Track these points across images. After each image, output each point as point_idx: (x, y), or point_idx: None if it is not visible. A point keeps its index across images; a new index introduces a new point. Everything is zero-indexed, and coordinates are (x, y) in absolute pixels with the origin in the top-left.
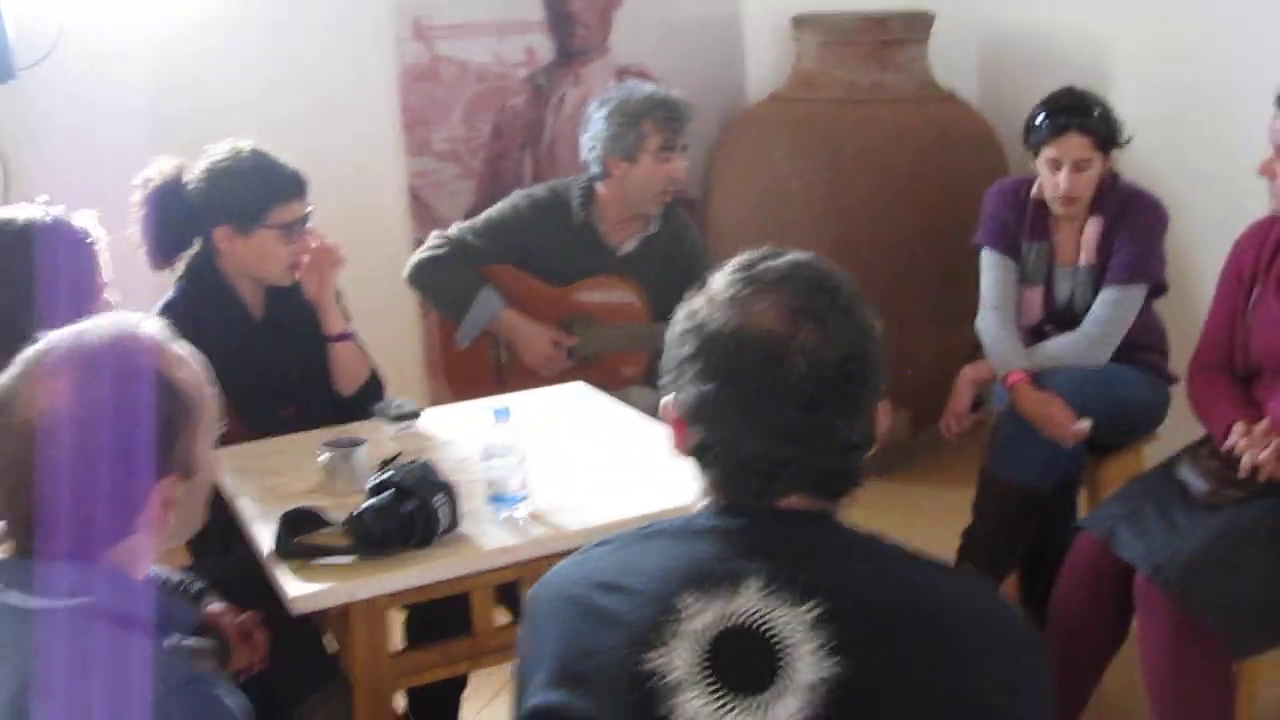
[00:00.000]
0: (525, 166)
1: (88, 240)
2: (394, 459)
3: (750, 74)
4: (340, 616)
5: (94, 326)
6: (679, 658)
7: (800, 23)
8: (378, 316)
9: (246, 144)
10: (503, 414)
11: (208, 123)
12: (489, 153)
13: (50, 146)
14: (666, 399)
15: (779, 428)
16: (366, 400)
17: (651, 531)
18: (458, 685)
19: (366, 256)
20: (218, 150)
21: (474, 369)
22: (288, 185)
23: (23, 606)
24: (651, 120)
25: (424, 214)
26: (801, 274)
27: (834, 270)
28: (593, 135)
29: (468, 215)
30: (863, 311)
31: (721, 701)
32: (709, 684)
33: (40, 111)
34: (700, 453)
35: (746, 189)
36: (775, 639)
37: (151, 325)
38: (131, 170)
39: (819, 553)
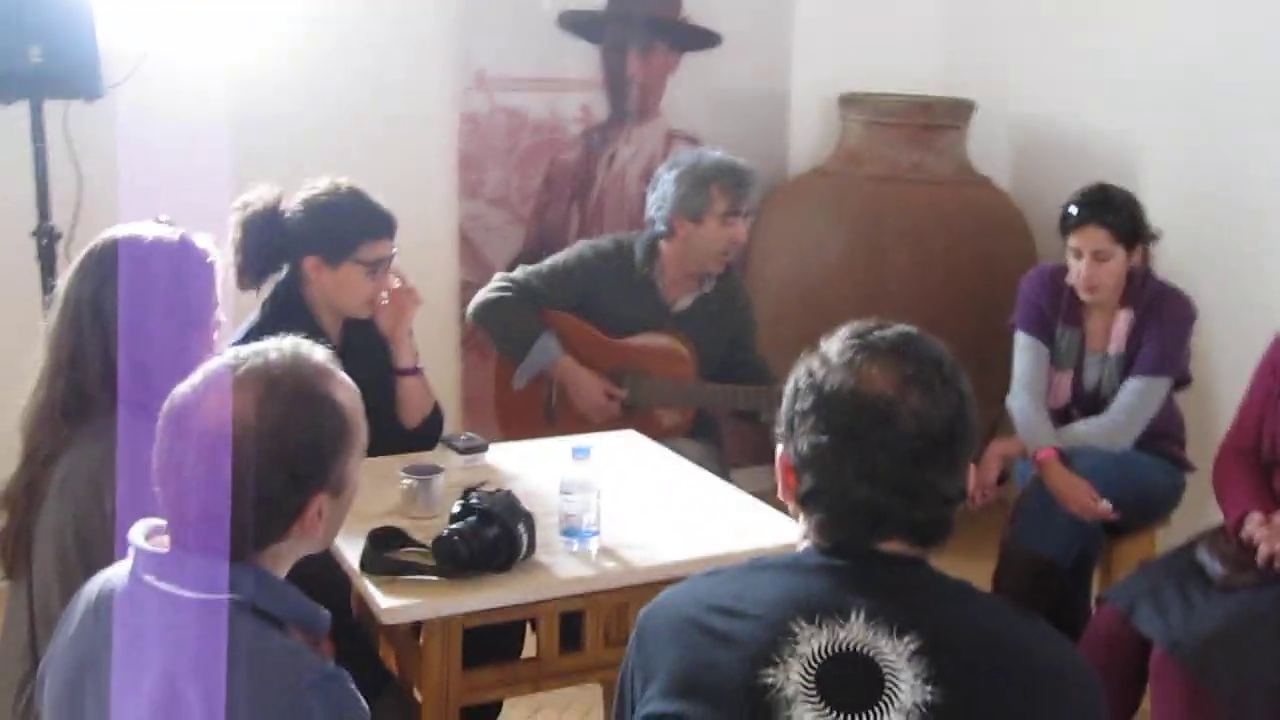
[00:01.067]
0: (572, 218)
1: (209, 260)
2: (478, 486)
3: (794, 147)
4: (407, 633)
5: (274, 347)
6: (792, 676)
7: (848, 101)
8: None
9: (345, 181)
10: (583, 452)
11: (275, 151)
12: (538, 202)
13: (125, 165)
14: (780, 447)
15: (887, 480)
16: (428, 432)
17: (761, 565)
18: (497, 704)
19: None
20: (318, 184)
21: (526, 409)
22: (379, 224)
23: (178, 594)
24: (719, 185)
25: (472, 255)
26: (911, 345)
27: (937, 343)
28: (661, 195)
29: (514, 260)
30: (963, 380)
31: (829, 716)
32: (818, 701)
33: (119, 131)
34: (810, 498)
35: (787, 257)
36: (879, 665)
37: (321, 352)
38: (200, 194)
39: (917, 593)
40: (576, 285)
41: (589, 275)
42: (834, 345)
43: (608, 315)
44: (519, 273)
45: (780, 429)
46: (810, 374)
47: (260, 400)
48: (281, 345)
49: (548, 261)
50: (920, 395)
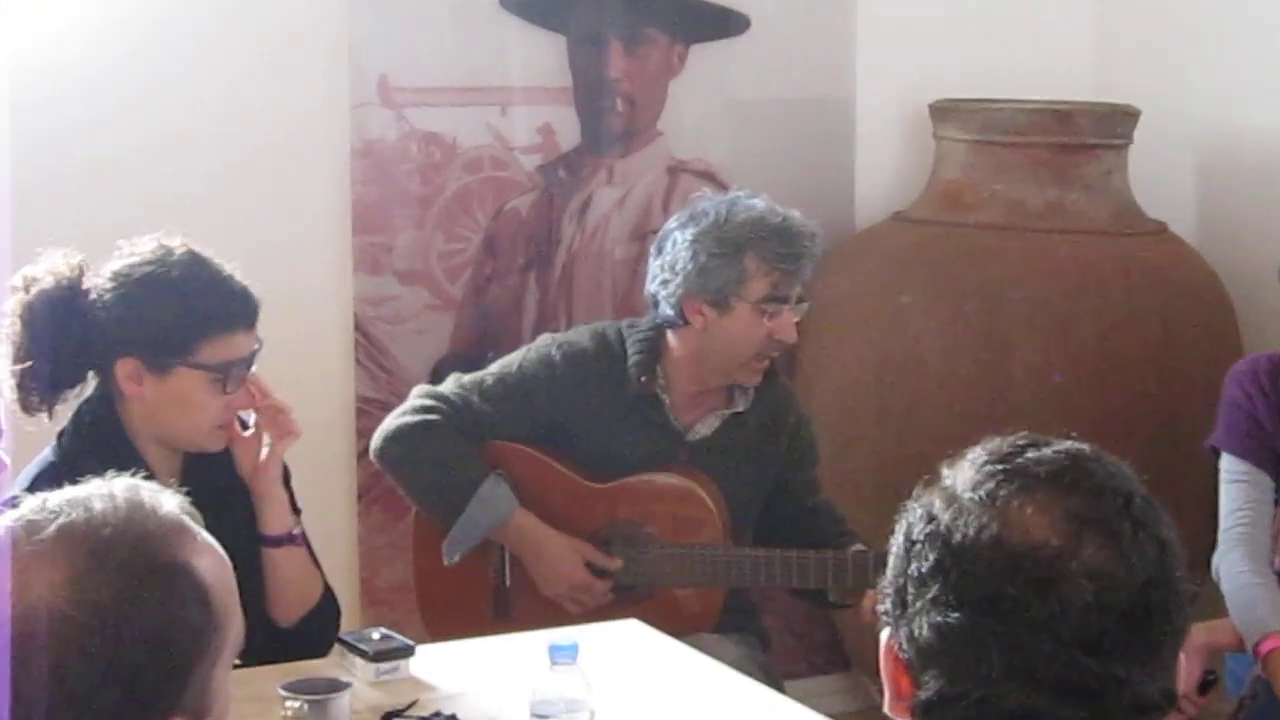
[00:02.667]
0: (527, 299)
1: None
2: (405, 711)
3: (864, 183)
4: None
5: (98, 494)
6: None
7: (943, 114)
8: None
9: (179, 244)
10: (565, 654)
11: (71, 194)
12: (475, 276)
13: None
14: (885, 634)
15: (1052, 677)
16: (314, 632)
17: None
18: None
19: None
20: (137, 248)
21: (463, 594)
22: (231, 309)
23: None
24: (759, 255)
25: (374, 358)
26: (1082, 471)
27: (1121, 466)
28: (670, 263)
29: (440, 366)
30: (1161, 522)
31: None
32: None
33: None
34: (936, 709)
35: (855, 348)
36: None
37: (171, 500)
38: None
39: None
40: (538, 404)
41: (558, 389)
42: (964, 475)
43: (588, 449)
44: (450, 386)
45: (883, 606)
46: (930, 519)
47: (77, 578)
48: (109, 491)
49: (493, 368)
50: (1100, 547)
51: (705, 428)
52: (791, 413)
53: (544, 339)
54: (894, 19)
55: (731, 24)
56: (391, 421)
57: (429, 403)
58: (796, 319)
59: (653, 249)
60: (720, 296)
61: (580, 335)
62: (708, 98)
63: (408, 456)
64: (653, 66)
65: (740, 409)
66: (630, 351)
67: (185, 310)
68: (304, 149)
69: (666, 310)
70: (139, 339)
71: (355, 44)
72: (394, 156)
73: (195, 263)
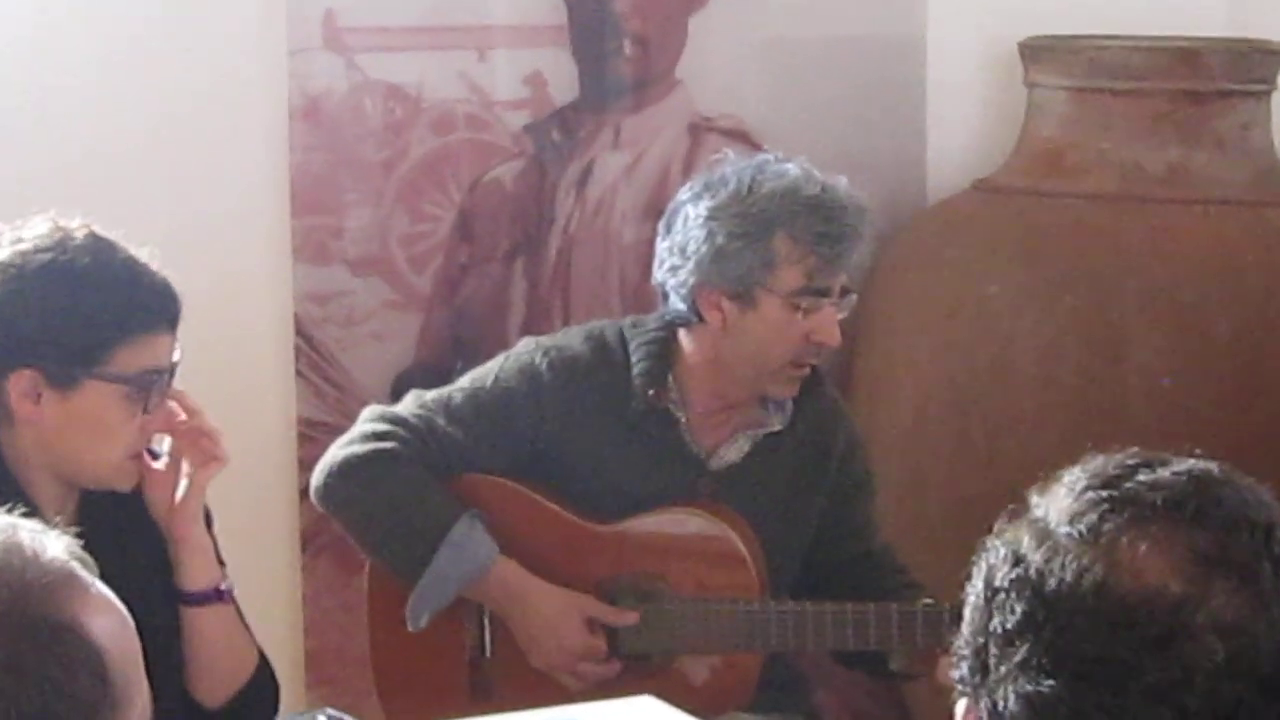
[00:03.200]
0: (515, 293)
1: None
2: None
3: (938, 143)
4: None
5: None
6: None
7: (1036, 54)
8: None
9: (78, 225)
10: None
11: None
12: (448, 265)
13: None
14: (961, 706)
15: None
16: (247, 716)
17: None
18: None
19: None
20: (28, 234)
21: (431, 668)
22: (151, 305)
23: None
24: (791, 235)
25: (319, 373)
26: (1209, 496)
27: (1259, 491)
28: (680, 244)
29: (401, 380)
30: None
31: None
32: None
33: None
34: None
35: (927, 353)
36: None
37: (58, 545)
38: None
39: None
40: (521, 426)
41: (544, 406)
42: (1059, 504)
43: (584, 481)
44: (409, 406)
45: (959, 672)
46: (1017, 560)
47: None
48: None
49: (463, 382)
50: (1233, 594)
51: (732, 452)
52: (840, 433)
53: (526, 344)
54: None
55: None
56: (336, 453)
57: (383, 427)
58: (840, 315)
59: (660, 226)
60: (743, 287)
61: (572, 339)
62: (739, 37)
63: (358, 496)
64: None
65: (775, 428)
66: (635, 358)
67: (94, 308)
68: (228, 106)
69: (677, 304)
70: (37, 346)
71: None
72: (343, 115)
73: (102, 248)
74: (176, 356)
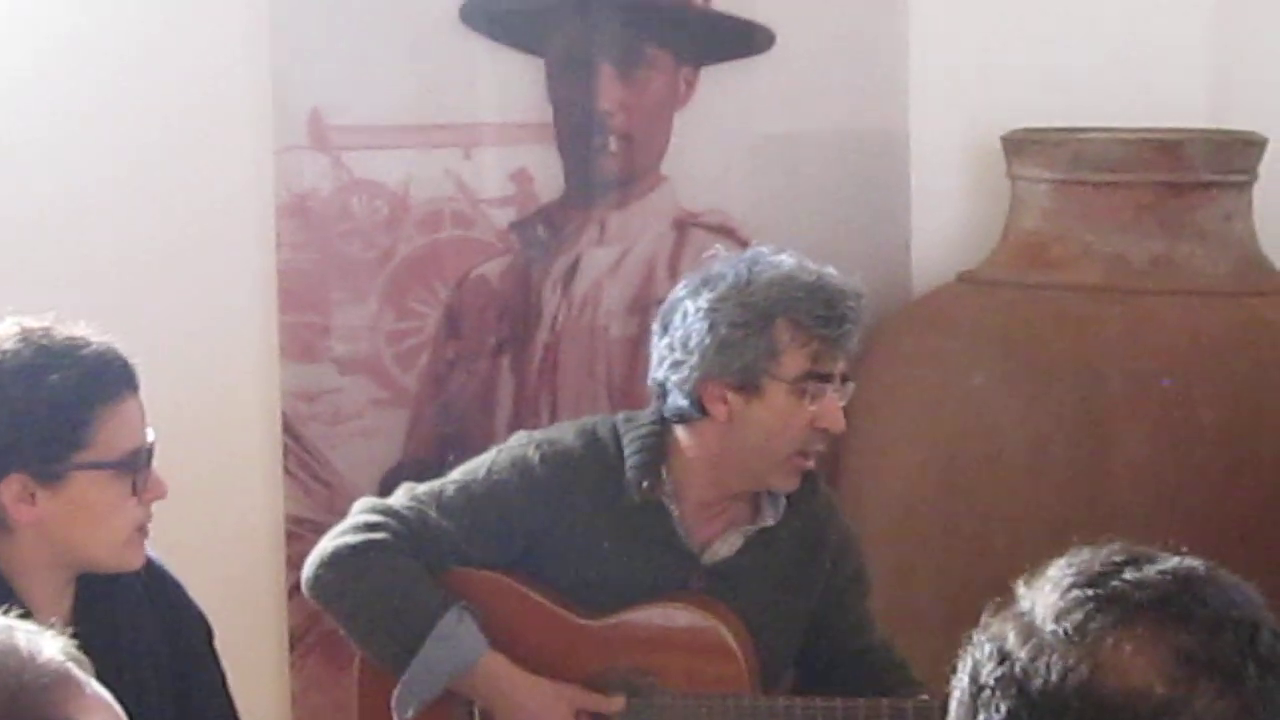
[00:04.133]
0: (502, 389)
1: None
2: None
3: (922, 237)
4: None
5: None
6: None
7: (1019, 147)
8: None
9: (36, 324)
10: None
11: None
12: (435, 362)
13: None
14: None
15: None
16: None
17: None
18: None
19: (189, 549)
20: None
21: None
22: (105, 374)
23: None
24: (793, 321)
25: (307, 470)
26: (1194, 595)
27: (1244, 590)
28: (681, 340)
29: (392, 476)
30: None
31: None
32: None
33: None
34: None
35: (914, 443)
36: None
37: (53, 646)
38: None
39: None
40: (513, 519)
41: (536, 499)
42: (1045, 600)
43: (575, 574)
44: (400, 498)
45: None
46: (1002, 658)
47: None
48: None
49: (455, 475)
50: (1218, 696)
51: (725, 547)
52: (834, 530)
53: (519, 438)
54: (956, 33)
55: (752, 40)
56: (328, 544)
57: (375, 519)
58: (842, 403)
59: (656, 326)
60: (749, 378)
61: (564, 433)
62: (723, 133)
63: (348, 587)
64: (654, 95)
65: (769, 524)
66: (628, 451)
67: (55, 392)
68: (215, 204)
69: (678, 400)
70: (14, 449)
71: (279, 71)
72: (330, 213)
73: (39, 336)
74: (151, 436)
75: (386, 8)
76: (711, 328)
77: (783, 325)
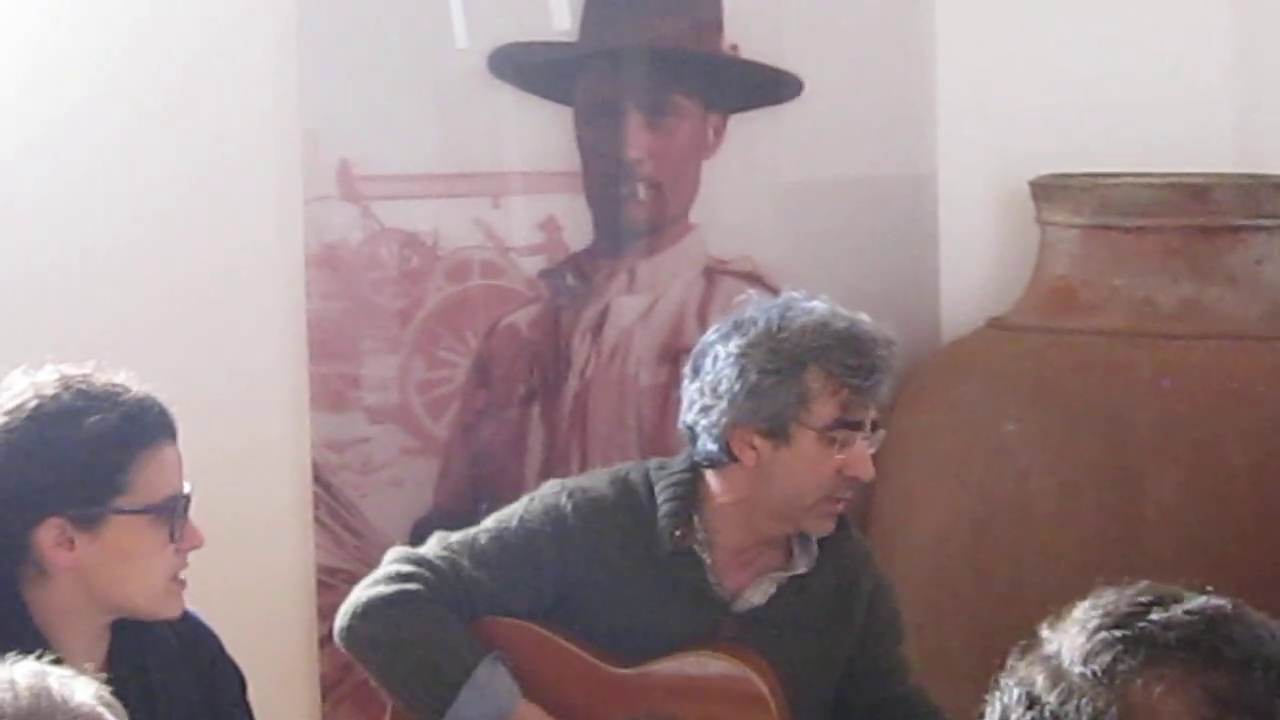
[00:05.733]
0: (532, 437)
1: None
2: None
3: (951, 283)
4: None
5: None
6: None
7: (1048, 193)
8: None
9: (46, 369)
10: None
11: None
12: (466, 411)
13: None
14: None
15: None
16: None
17: None
18: None
19: (220, 599)
20: (6, 392)
21: None
22: (144, 420)
23: None
24: (824, 369)
25: (338, 520)
26: (1223, 635)
27: (1272, 627)
28: (712, 385)
29: (423, 525)
30: None
31: None
32: None
33: None
34: None
35: (945, 491)
36: None
37: (86, 689)
38: None
39: None
40: (545, 568)
41: (569, 548)
42: (1072, 642)
43: (607, 623)
44: (433, 547)
45: None
46: (1031, 702)
47: None
48: (10, 678)
49: (488, 524)
50: None
51: (757, 595)
52: (867, 576)
53: (551, 486)
54: (984, 78)
55: (780, 88)
56: (360, 594)
57: (407, 569)
58: (872, 450)
59: (687, 370)
60: (778, 424)
61: (597, 481)
62: (752, 181)
63: (380, 637)
64: (682, 143)
65: (801, 571)
66: (661, 499)
67: (94, 436)
68: (245, 254)
69: (708, 445)
70: (53, 493)
71: (308, 121)
72: (359, 262)
73: (79, 381)
74: (188, 488)
75: (415, 59)
76: (742, 373)
77: (814, 373)
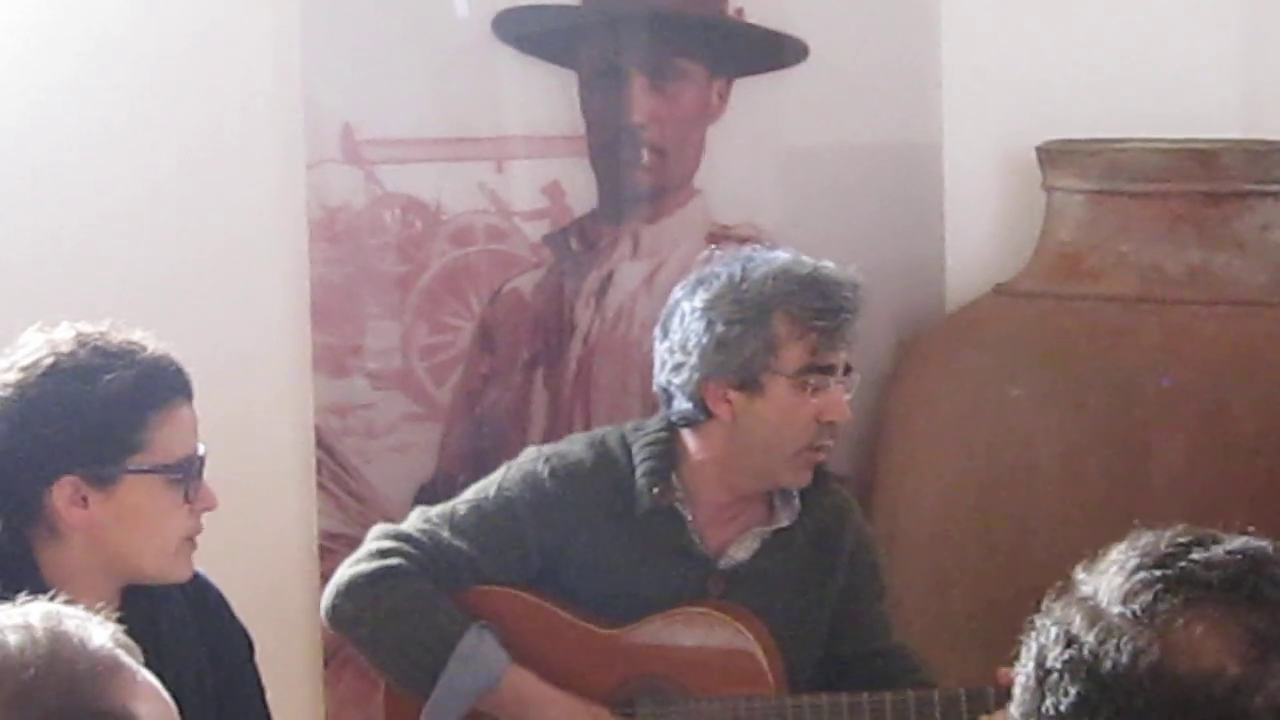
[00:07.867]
0: (536, 403)
1: None
2: None
3: (957, 249)
4: None
5: (11, 626)
6: None
7: (1054, 158)
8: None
9: (63, 327)
10: None
11: None
12: (469, 376)
13: None
14: None
15: None
16: None
17: None
18: None
19: (222, 564)
20: (22, 350)
21: None
22: (160, 379)
23: None
24: (789, 314)
25: (341, 485)
26: (1265, 574)
27: None
28: (680, 343)
29: (427, 491)
30: None
31: None
32: None
33: None
34: None
35: (950, 456)
36: None
37: (102, 631)
38: None
39: None
40: (526, 534)
41: (548, 513)
42: (1110, 583)
43: (592, 586)
44: (413, 522)
45: None
46: (1069, 641)
47: None
48: (24, 620)
49: (466, 495)
50: None
51: (741, 551)
52: (849, 528)
53: (529, 453)
54: (989, 43)
55: (785, 53)
56: (344, 572)
57: (388, 544)
58: (847, 395)
59: (657, 330)
60: (748, 374)
61: (573, 446)
62: (756, 146)
63: (366, 615)
64: (686, 108)
65: (784, 525)
66: (638, 459)
67: (110, 395)
68: (247, 220)
69: (683, 404)
70: (68, 451)
71: (310, 86)
72: (362, 227)
73: (95, 339)
74: (202, 449)
75: (417, 22)
76: (709, 327)
77: (779, 319)
